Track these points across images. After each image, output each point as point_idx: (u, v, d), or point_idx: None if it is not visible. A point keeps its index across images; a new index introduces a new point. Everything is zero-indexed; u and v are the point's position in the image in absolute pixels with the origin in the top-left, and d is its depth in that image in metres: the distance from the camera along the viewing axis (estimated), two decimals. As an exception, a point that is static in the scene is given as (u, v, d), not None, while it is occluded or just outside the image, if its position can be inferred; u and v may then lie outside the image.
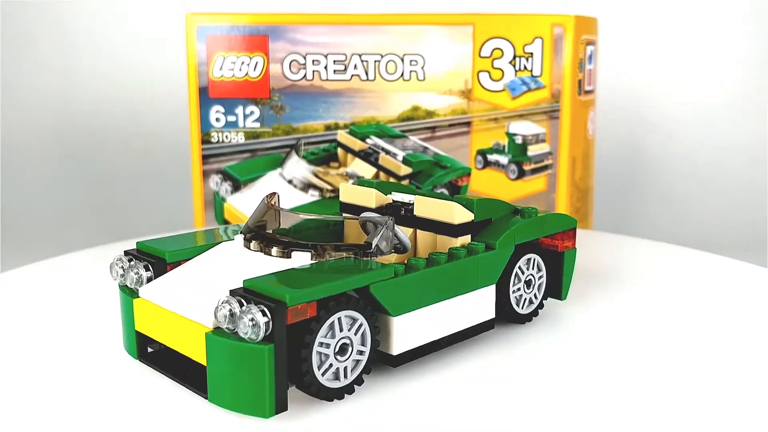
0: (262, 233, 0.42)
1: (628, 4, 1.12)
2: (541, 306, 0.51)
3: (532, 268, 0.50)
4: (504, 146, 0.71)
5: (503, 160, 0.71)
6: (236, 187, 0.71)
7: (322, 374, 0.38)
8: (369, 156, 0.71)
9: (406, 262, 0.42)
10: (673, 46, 1.12)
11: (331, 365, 0.38)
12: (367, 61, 0.69)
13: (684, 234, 1.02)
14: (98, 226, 1.06)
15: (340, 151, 0.72)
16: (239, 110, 0.70)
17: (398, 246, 0.45)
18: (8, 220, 1.05)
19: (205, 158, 0.71)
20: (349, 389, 0.39)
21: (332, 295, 0.37)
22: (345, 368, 0.39)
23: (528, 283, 0.50)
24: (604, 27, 0.82)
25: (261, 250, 0.42)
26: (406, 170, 0.69)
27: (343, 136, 0.71)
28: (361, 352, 0.40)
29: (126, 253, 0.45)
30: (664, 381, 0.42)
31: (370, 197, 0.51)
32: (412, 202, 0.49)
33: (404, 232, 0.46)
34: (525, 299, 0.50)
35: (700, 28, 1.11)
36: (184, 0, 1.10)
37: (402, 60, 0.69)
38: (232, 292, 0.37)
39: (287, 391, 0.37)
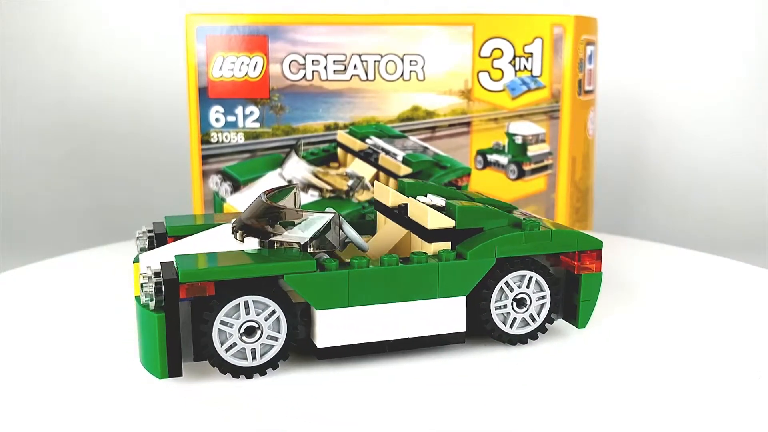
0: (239, 219, 0.45)
1: (628, 4, 1.12)
2: (543, 330, 0.47)
3: (527, 287, 0.45)
4: (504, 146, 0.71)
5: (503, 160, 0.71)
6: (236, 187, 0.71)
7: (226, 351, 0.40)
8: (369, 156, 0.71)
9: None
10: (674, 46, 1.12)
11: (235, 344, 0.41)
12: (367, 61, 0.69)
13: (684, 234, 1.02)
14: (98, 226, 1.06)
15: (339, 151, 0.72)
16: (239, 110, 0.70)
17: (351, 243, 0.45)
18: (8, 220, 1.05)
19: (205, 158, 0.71)
20: (260, 370, 0.41)
21: (240, 279, 0.40)
22: (253, 350, 0.41)
23: (520, 302, 0.46)
24: (604, 27, 0.82)
25: (233, 234, 0.45)
26: (406, 170, 0.69)
27: (342, 136, 0.71)
28: (274, 338, 0.41)
29: (154, 224, 0.50)
30: (664, 382, 0.42)
31: (387, 196, 0.51)
32: (440, 204, 0.47)
33: (355, 231, 0.45)
34: (515, 319, 0.46)
35: (701, 27, 1.11)
36: (184, 0, 1.10)
37: (402, 60, 0.69)
38: (162, 264, 0.40)
39: (181, 357, 0.40)
